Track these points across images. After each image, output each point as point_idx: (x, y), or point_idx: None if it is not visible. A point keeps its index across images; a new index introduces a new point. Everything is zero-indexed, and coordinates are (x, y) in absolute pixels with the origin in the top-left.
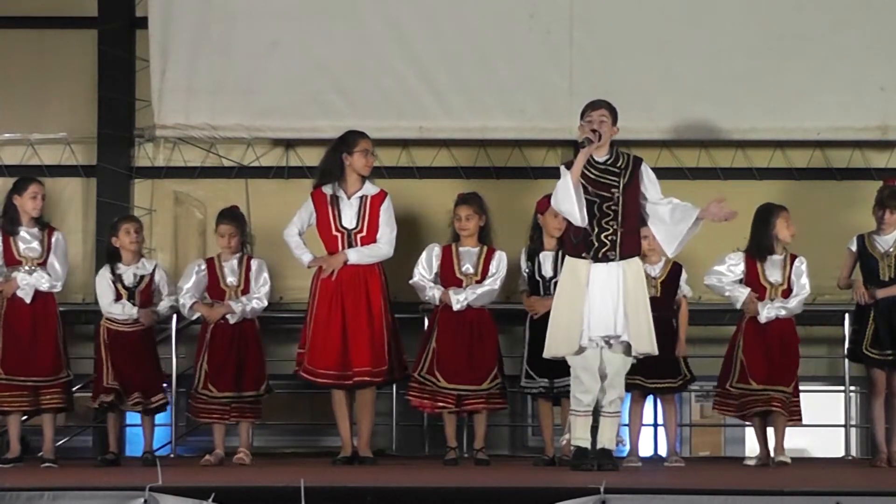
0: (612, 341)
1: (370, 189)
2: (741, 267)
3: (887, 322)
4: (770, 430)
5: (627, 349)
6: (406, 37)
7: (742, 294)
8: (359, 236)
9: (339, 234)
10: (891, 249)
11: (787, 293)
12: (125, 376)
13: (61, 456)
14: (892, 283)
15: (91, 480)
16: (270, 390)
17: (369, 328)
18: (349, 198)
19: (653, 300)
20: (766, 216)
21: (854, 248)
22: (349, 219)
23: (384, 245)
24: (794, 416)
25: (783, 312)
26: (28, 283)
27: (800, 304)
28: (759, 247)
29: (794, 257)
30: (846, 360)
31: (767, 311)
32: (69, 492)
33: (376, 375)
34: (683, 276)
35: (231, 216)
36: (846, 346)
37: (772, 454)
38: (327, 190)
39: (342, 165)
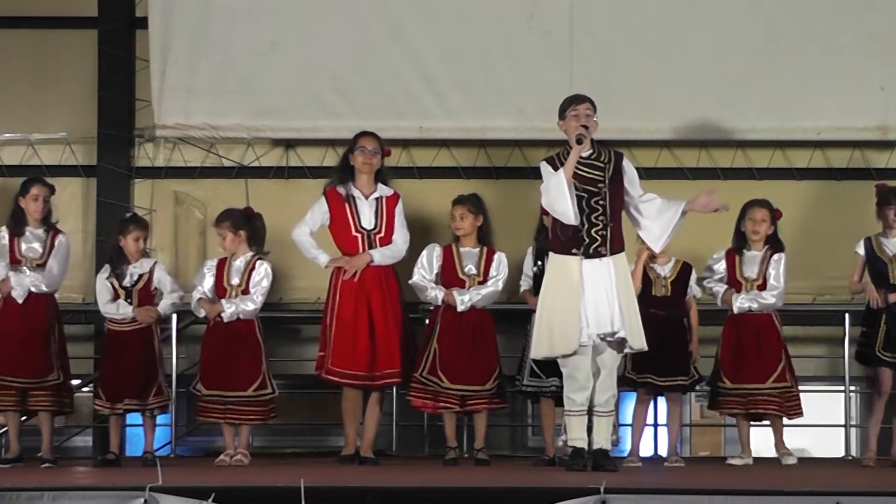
0: (607, 338)
1: (385, 190)
2: (722, 264)
3: None
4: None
5: (620, 346)
6: (406, 37)
7: (720, 290)
8: (378, 237)
9: (359, 235)
10: None
11: (763, 289)
12: (124, 377)
13: (61, 456)
14: None
15: (91, 480)
16: (270, 392)
17: (396, 329)
18: (366, 198)
19: (663, 299)
20: (742, 210)
21: (862, 251)
22: (368, 220)
23: (402, 246)
24: (793, 412)
25: (755, 305)
26: (20, 283)
27: (774, 298)
28: (735, 242)
29: (772, 253)
30: (846, 361)
31: (740, 303)
32: (69, 492)
33: (401, 376)
34: (693, 276)
35: (223, 217)
36: (855, 348)
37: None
38: (341, 190)
39: (350, 164)
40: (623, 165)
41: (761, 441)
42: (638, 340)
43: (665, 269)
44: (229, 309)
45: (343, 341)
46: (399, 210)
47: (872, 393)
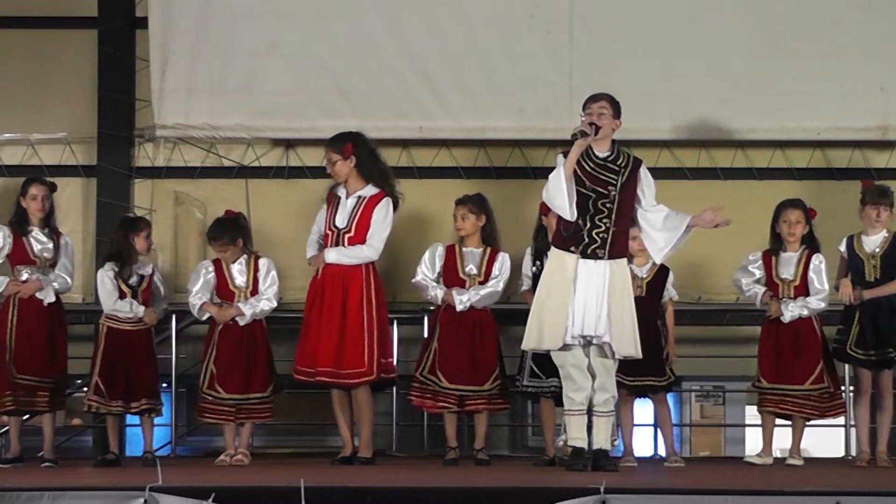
0: (593, 341)
1: (370, 190)
2: (759, 265)
3: (873, 323)
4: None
5: (611, 350)
6: (406, 37)
7: (759, 292)
8: (346, 236)
9: (330, 234)
10: (877, 250)
11: (801, 289)
12: (125, 376)
13: (61, 456)
14: (878, 283)
15: (91, 480)
16: (279, 390)
17: (339, 330)
18: (347, 198)
19: (638, 300)
20: (775, 212)
21: (843, 248)
22: (341, 218)
23: (367, 248)
24: (832, 412)
25: (805, 312)
26: (48, 283)
27: (822, 303)
28: (771, 243)
29: (811, 254)
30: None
31: (791, 311)
32: (69, 492)
33: (343, 377)
34: (670, 278)
35: (217, 234)
36: (832, 345)
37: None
38: (334, 189)
39: None
40: (639, 173)
41: (760, 441)
42: (626, 347)
43: (642, 271)
44: (249, 311)
45: (301, 339)
46: (378, 209)
47: (854, 394)
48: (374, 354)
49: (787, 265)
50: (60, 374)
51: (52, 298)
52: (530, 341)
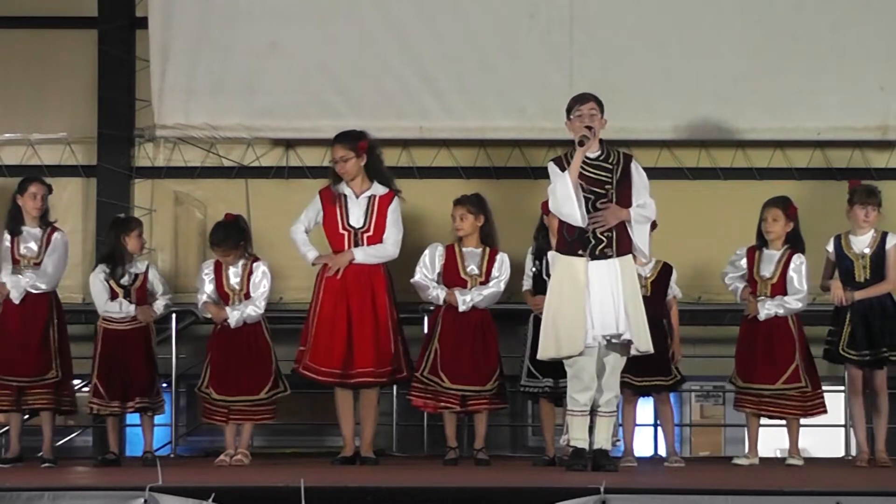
0: (613, 340)
1: (379, 189)
2: (744, 262)
3: (864, 323)
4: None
5: (625, 348)
6: (406, 37)
7: (739, 287)
8: (365, 235)
9: (345, 233)
10: (866, 250)
11: (779, 288)
12: (121, 375)
13: (61, 456)
14: (868, 284)
15: (91, 480)
16: (283, 391)
17: (374, 328)
18: (357, 197)
19: (643, 299)
20: (761, 209)
21: (831, 248)
22: (356, 218)
23: (390, 246)
24: (813, 411)
25: (781, 311)
26: (16, 284)
27: (800, 303)
28: (757, 240)
29: (792, 254)
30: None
31: (766, 309)
32: (69, 492)
33: (379, 376)
34: (674, 276)
35: (220, 240)
36: (823, 346)
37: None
38: (335, 189)
39: None
40: (631, 168)
41: (762, 441)
42: (644, 343)
43: (645, 270)
44: (234, 315)
45: (321, 339)
46: (392, 209)
47: (848, 394)
48: (399, 351)
49: (768, 263)
50: (49, 372)
51: (17, 299)
52: (548, 350)
